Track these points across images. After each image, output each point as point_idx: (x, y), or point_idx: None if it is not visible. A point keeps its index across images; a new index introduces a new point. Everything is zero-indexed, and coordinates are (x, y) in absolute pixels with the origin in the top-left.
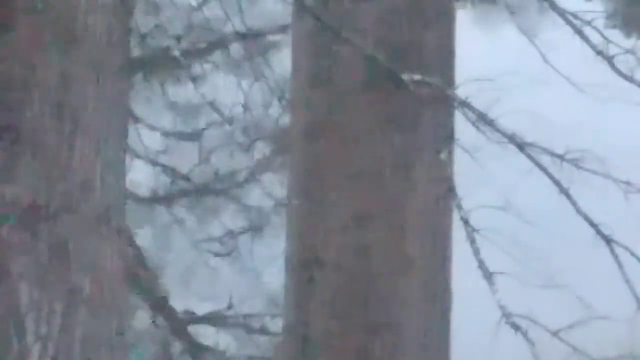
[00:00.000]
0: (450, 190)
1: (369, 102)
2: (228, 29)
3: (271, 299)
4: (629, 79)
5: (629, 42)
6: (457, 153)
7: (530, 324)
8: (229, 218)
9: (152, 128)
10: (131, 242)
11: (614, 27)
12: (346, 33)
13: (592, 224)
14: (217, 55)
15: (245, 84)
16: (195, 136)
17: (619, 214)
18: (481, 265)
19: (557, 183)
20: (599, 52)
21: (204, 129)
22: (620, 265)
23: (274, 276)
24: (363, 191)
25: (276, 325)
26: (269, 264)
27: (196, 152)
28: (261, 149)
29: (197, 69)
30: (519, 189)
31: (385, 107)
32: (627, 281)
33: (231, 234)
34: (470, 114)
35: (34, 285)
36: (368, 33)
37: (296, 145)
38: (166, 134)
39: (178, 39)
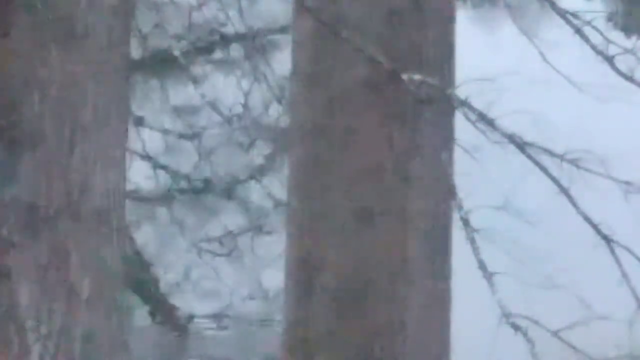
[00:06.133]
0: (450, 190)
1: (369, 102)
2: (228, 29)
3: (271, 299)
4: (629, 79)
5: (629, 42)
6: (457, 153)
7: (530, 324)
8: (229, 218)
9: (152, 128)
10: (131, 242)
11: (614, 27)
12: (346, 33)
13: (592, 224)
14: (217, 55)
15: (245, 84)
16: (195, 136)
17: (619, 214)
18: (481, 265)
19: (557, 183)
20: (599, 52)
21: (204, 129)
22: (620, 265)
23: (274, 276)
24: (363, 191)
25: (276, 325)
26: (269, 264)
27: (196, 152)
28: (261, 149)
29: (197, 69)
30: (519, 189)
31: (385, 107)
32: (627, 281)
33: (231, 234)
34: (470, 114)
35: (34, 285)
36: (368, 33)
37: (296, 145)
38: (166, 134)
39: (178, 39)
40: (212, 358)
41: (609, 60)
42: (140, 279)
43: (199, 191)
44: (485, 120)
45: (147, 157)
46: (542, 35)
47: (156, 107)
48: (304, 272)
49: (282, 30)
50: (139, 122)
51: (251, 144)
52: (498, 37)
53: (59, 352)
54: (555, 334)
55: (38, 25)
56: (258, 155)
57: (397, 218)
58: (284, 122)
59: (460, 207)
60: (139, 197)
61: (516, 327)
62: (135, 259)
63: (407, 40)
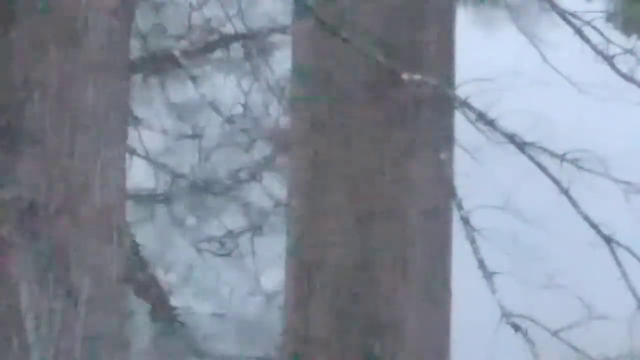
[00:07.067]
0: (450, 190)
1: (369, 102)
2: (228, 29)
3: (271, 299)
4: (629, 79)
5: (629, 42)
6: (457, 153)
7: (530, 324)
8: (229, 218)
9: (152, 128)
10: (131, 242)
11: (614, 27)
12: (346, 33)
13: (592, 224)
14: (217, 55)
15: (245, 84)
16: (195, 136)
17: (619, 214)
18: (481, 265)
19: (557, 183)
20: (599, 52)
21: (204, 129)
22: (620, 265)
23: (274, 276)
24: (363, 191)
25: (276, 325)
26: (269, 264)
27: (196, 152)
28: (261, 149)
29: (197, 69)
30: (519, 189)
31: (385, 107)
32: (627, 281)
33: (231, 234)
34: (470, 114)
35: (34, 285)
36: (368, 33)
37: (296, 145)
38: (166, 134)
39: (178, 39)
40: (212, 357)
41: (609, 60)
42: (140, 279)
43: (199, 191)
44: (485, 120)
45: (147, 157)
46: (542, 35)
47: (156, 107)
48: (304, 272)
49: (282, 30)
50: (139, 122)
51: (251, 144)
52: (498, 37)
53: (59, 352)
54: (555, 334)
55: (38, 25)
56: (258, 155)
57: (397, 218)
58: (284, 122)
59: (460, 207)
60: (139, 197)
61: (516, 327)
62: (135, 259)
63: (407, 40)
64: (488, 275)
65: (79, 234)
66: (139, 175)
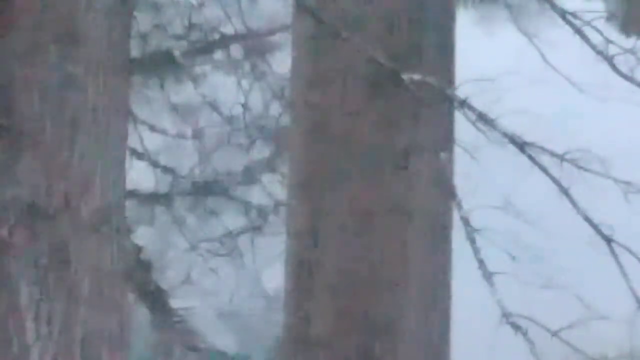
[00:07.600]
0: (450, 190)
1: (369, 102)
2: (228, 29)
3: (271, 299)
4: (629, 79)
5: (629, 42)
6: (457, 153)
7: (530, 324)
8: (229, 218)
9: (152, 128)
10: (131, 242)
11: (614, 27)
12: (346, 33)
13: (592, 224)
14: (217, 55)
15: (245, 84)
16: (195, 136)
17: (619, 214)
18: (481, 265)
19: (557, 183)
20: (599, 52)
21: (204, 129)
22: (620, 265)
23: (274, 276)
24: (363, 191)
25: (276, 325)
26: (269, 264)
27: (196, 152)
28: (261, 149)
29: (197, 69)
30: (519, 189)
31: (385, 107)
32: (627, 281)
33: (231, 234)
34: (470, 114)
35: (34, 285)
36: (368, 33)
37: (296, 145)
38: (166, 134)
39: (178, 39)
40: (211, 356)
41: (609, 60)
42: (140, 279)
43: (199, 191)
44: (485, 120)
45: (147, 157)
46: (542, 35)
47: (156, 107)
48: (304, 272)
49: (282, 30)
50: (139, 122)
51: (251, 144)
52: (498, 37)
53: (59, 352)
54: (555, 334)
55: (38, 25)
56: (258, 155)
57: (397, 218)
58: (284, 122)
59: (460, 207)
60: (139, 197)
61: (516, 327)
62: (135, 259)
63: (407, 40)
64: (488, 275)
65: (79, 234)
66: (139, 175)
